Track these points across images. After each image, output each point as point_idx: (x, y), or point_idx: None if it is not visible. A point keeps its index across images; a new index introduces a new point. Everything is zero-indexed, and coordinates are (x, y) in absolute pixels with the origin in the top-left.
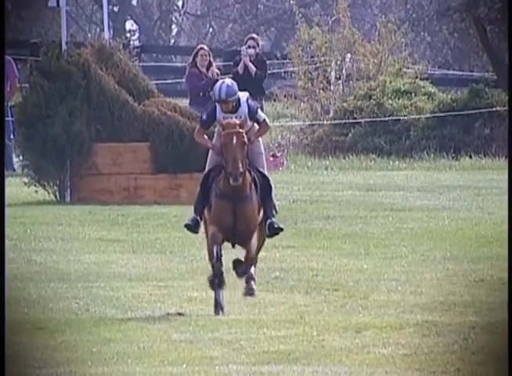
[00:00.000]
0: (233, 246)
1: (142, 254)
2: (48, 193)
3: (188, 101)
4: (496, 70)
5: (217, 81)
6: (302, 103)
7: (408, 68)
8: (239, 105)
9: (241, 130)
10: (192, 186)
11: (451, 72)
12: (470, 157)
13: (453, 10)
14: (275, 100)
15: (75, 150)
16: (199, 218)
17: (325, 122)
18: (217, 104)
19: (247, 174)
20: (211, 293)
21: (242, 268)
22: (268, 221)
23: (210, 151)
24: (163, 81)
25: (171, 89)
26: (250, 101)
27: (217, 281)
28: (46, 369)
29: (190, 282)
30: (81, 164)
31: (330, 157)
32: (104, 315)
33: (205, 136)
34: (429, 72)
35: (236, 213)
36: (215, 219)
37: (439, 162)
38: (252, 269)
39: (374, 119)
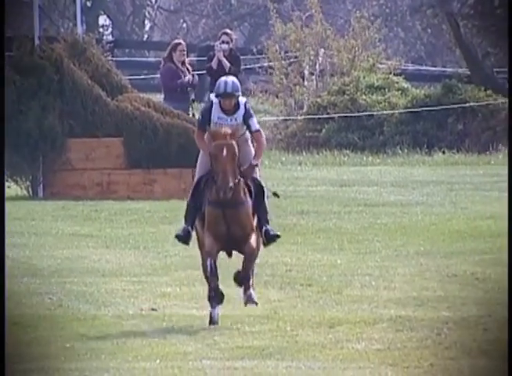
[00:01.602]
0: (230, 255)
1: (115, 250)
2: (21, 188)
3: (162, 96)
4: (469, 66)
5: (193, 77)
6: (276, 99)
7: (381, 64)
8: (238, 106)
9: (232, 141)
10: (165, 181)
11: (424, 68)
12: (443, 152)
13: (426, 6)
14: (249, 96)
15: (48, 145)
16: (190, 228)
17: (298, 117)
18: (213, 103)
19: (241, 182)
20: (185, 288)
21: (241, 275)
22: (264, 228)
23: (200, 156)
24: (136, 76)
25: (144, 84)
26: (247, 105)
27: (213, 295)
28: (19, 364)
29: (164, 277)
30: (54, 160)
31: (304, 153)
32: (77, 310)
33: (206, 140)
34: (402, 67)
35: (229, 219)
36: (210, 228)
37: (412, 157)
38: (251, 280)
39: (348, 114)
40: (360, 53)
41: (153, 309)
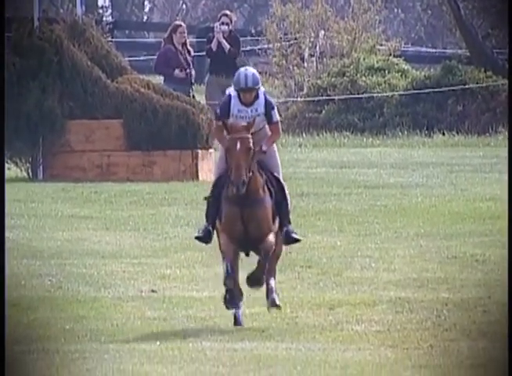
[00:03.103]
0: (247, 254)
1: (115, 232)
2: (21, 170)
3: (162, 78)
4: (469, 47)
5: (193, 58)
6: (276, 80)
7: (381, 45)
8: (258, 97)
9: (247, 135)
10: (165, 162)
11: (424, 49)
12: (443, 134)
13: None
14: None
15: (47, 126)
16: (211, 228)
17: (298, 99)
18: (231, 96)
19: (259, 176)
20: (185, 270)
21: (254, 277)
22: (284, 229)
23: (220, 152)
24: (136, 58)
25: (144, 66)
26: (267, 95)
27: (228, 298)
28: (19, 346)
29: (164, 259)
30: (53, 141)
31: (304, 134)
32: (77, 292)
33: (224, 134)
34: (402, 49)
35: (246, 218)
36: (226, 226)
37: (412, 139)
38: (273, 283)
39: (348, 96)
40: (360, 35)
41: (152, 291)
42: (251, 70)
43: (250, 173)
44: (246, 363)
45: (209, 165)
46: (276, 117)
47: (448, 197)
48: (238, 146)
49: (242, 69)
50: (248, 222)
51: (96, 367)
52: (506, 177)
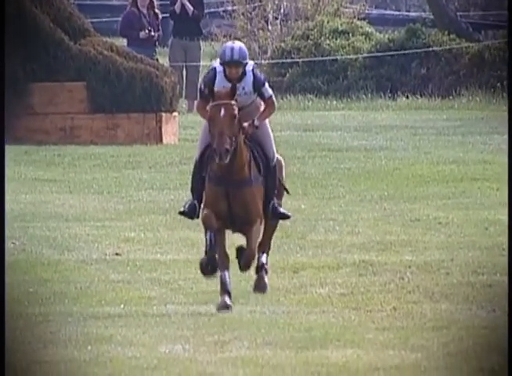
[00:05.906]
0: (234, 231)
1: (78, 195)
2: None
3: (125, 40)
4: (433, 10)
5: (157, 21)
6: None
7: (345, 8)
8: (245, 73)
9: (231, 101)
10: (129, 125)
11: (388, 12)
12: (407, 97)
13: None
14: (212, 40)
15: (10, 89)
16: (196, 202)
17: (263, 62)
18: (217, 71)
19: (246, 152)
20: (149, 233)
21: (243, 259)
22: (271, 202)
23: (203, 127)
24: (99, 20)
25: (107, 28)
26: (255, 70)
27: (210, 268)
28: None
29: (128, 222)
30: (16, 104)
31: None
32: (41, 255)
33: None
34: (366, 12)
35: (231, 199)
36: (209, 205)
37: (376, 102)
38: (264, 258)
39: (312, 59)
40: None
41: (116, 254)
42: (239, 43)
43: (235, 144)
44: (210, 326)
45: (173, 128)
46: (269, 92)
47: (411, 160)
48: (222, 112)
49: (229, 42)
50: (234, 202)
51: (60, 330)
52: (469, 140)
